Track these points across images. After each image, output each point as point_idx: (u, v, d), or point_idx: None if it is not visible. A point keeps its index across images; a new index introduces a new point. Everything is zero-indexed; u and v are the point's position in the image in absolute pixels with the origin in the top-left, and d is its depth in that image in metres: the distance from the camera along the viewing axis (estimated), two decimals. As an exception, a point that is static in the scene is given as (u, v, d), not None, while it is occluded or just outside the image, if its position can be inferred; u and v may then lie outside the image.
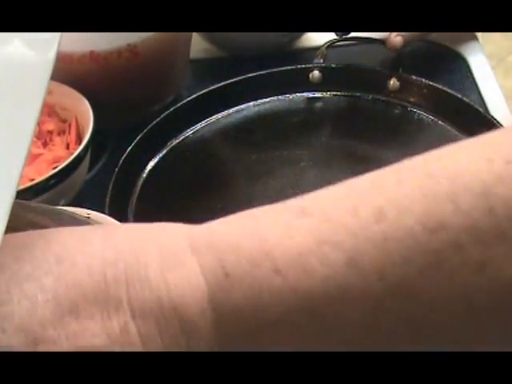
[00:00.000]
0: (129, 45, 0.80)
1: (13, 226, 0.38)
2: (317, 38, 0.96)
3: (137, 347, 0.30)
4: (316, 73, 0.88)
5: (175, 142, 0.82)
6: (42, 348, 0.29)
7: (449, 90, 0.81)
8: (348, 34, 0.89)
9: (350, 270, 0.29)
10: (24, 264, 0.31)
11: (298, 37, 0.99)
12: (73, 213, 0.50)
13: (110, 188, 0.72)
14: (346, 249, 0.29)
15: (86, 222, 0.49)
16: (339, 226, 0.29)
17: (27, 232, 0.34)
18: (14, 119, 0.30)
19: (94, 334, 0.30)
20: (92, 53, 0.80)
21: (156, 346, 0.30)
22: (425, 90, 0.83)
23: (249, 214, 0.32)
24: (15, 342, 0.29)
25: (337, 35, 0.89)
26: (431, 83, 0.83)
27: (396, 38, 0.85)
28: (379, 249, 0.29)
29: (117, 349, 0.30)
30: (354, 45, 0.93)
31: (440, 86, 0.82)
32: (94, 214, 0.60)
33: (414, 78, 0.84)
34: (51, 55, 0.31)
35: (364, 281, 0.29)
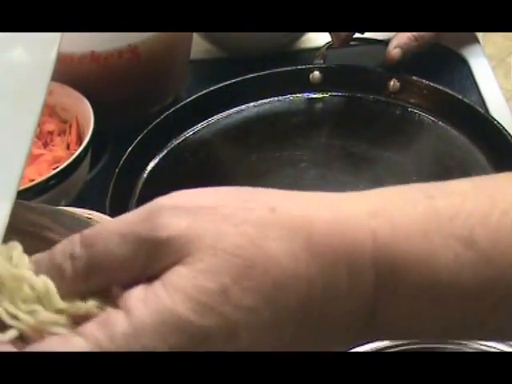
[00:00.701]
0: (129, 45, 0.80)
1: (14, 226, 0.38)
2: (317, 39, 0.96)
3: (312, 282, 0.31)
4: (316, 73, 0.88)
5: (175, 142, 0.82)
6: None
7: (449, 91, 0.82)
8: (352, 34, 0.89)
9: None
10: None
11: (299, 37, 0.99)
12: (74, 213, 0.50)
13: (111, 188, 0.72)
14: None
15: (87, 222, 0.49)
16: None
17: None
18: (15, 120, 0.30)
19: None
20: (92, 53, 0.80)
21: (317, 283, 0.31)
22: (425, 91, 0.83)
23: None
24: None
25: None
26: (431, 84, 0.83)
27: (394, 50, 0.85)
28: None
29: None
30: (354, 46, 0.93)
31: (440, 87, 0.82)
32: (96, 215, 0.60)
33: (414, 78, 0.84)
34: (52, 56, 0.31)
35: None
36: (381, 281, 0.32)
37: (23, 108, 0.30)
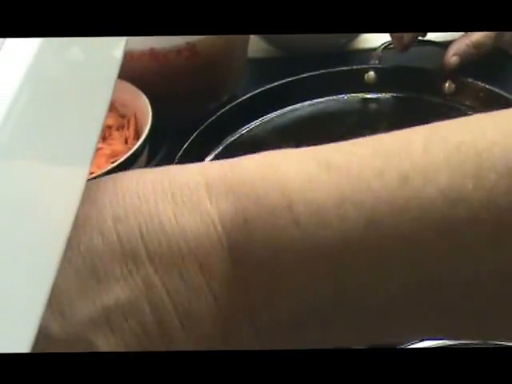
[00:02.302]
0: (188, 43, 0.81)
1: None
2: (373, 40, 0.97)
3: (163, 300, 0.30)
4: (371, 74, 0.88)
5: (230, 139, 0.83)
6: (68, 318, 0.30)
7: (504, 94, 0.81)
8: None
9: (368, 228, 0.29)
10: None
11: (355, 38, 1.00)
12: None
13: (167, 183, 0.73)
14: (366, 209, 0.29)
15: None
16: (363, 186, 0.30)
17: None
18: (84, 115, 0.31)
19: (117, 291, 0.30)
20: (152, 50, 0.82)
21: (179, 292, 0.30)
22: (481, 93, 0.83)
23: (268, 158, 0.32)
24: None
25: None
26: (487, 86, 0.83)
27: (452, 58, 0.85)
28: (400, 213, 0.29)
29: (142, 300, 0.30)
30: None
31: (496, 90, 0.82)
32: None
33: (469, 80, 0.84)
34: (118, 54, 0.32)
35: (381, 239, 0.29)
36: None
37: (91, 104, 0.32)
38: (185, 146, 0.78)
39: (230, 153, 0.82)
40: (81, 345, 0.30)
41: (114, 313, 0.30)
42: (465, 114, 0.83)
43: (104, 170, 0.71)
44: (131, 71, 0.81)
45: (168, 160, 0.78)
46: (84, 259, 0.30)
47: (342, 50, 0.99)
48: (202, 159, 0.80)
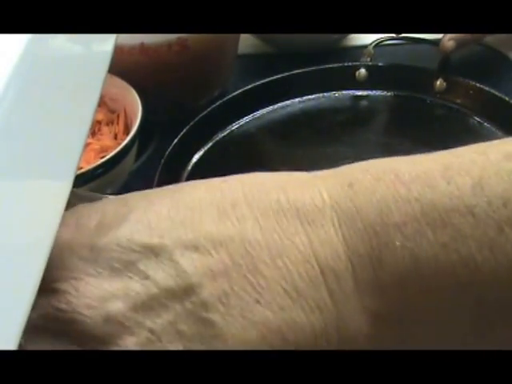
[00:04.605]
0: (179, 38, 0.81)
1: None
2: (364, 37, 0.96)
3: (253, 231, 0.31)
4: (362, 71, 0.88)
5: (220, 135, 0.83)
6: (155, 231, 0.31)
7: (496, 93, 0.81)
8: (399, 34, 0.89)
9: (475, 191, 0.30)
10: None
11: (346, 35, 0.99)
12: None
13: (156, 179, 0.73)
14: (473, 175, 0.30)
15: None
16: (468, 160, 0.31)
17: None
18: (73, 110, 0.30)
19: (209, 222, 0.31)
20: (142, 45, 0.81)
21: (272, 232, 0.31)
22: (471, 92, 0.83)
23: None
24: (133, 228, 0.31)
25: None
26: (478, 85, 0.82)
27: (449, 41, 0.85)
28: (506, 181, 0.30)
29: (233, 232, 0.31)
30: (402, 44, 0.93)
31: (487, 88, 0.82)
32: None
33: (461, 79, 0.84)
34: (108, 48, 0.32)
35: (488, 204, 0.30)
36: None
37: (81, 99, 0.31)
38: (175, 142, 0.77)
39: (220, 149, 0.81)
40: (162, 255, 0.31)
41: (202, 236, 0.31)
42: (456, 112, 0.83)
43: (93, 166, 0.70)
44: (121, 66, 0.80)
45: (158, 155, 0.77)
46: (184, 197, 0.32)
47: (333, 47, 0.99)
48: (192, 155, 0.80)
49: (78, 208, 0.34)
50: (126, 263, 0.31)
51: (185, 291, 0.30)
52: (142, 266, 0.30)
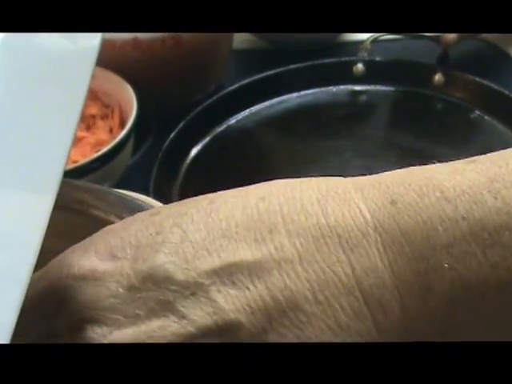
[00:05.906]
0: (172, 33, 0.80)
1: (59, 203, 0.38)
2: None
3: (292, 262, 0.30)
4: (360, 66, 0.87)
5: (218, 130, 0.82)
6: (192, 266, 0.30)
7: (495, 86, 0.80)
8: None
9: None
10: (179, 206, 0.32)
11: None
12: (119, 192, 0.50)
13: (154, 173, 0.72)
14: None
15: (131, 200, 0.49)
16: (510, 170, 0.30)
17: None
18: (61, 103, 0.30)
19: (246, 252, 0.30)
20: (135, 40, 0.80)
21: (312, 262, 0.30)
22: (470, 86, 0.83)
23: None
24: (169, 265, 0.30)
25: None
26: (476, 79, 0.82)
27: (450, 35, 0.85)
28: None
29: (272, 264, 0.30)
30: (399, 39, 0.93)
31: (485, 82, 0.81)
32: (140, 197, 0.60)
33: (459, 73, 0.84)
34: (95, 43, 0.31)
35: None
36: None
37: (68, 93, 0.30)
38: (172, 136, 0.76)
39: (217, 143, 0.80)
40: (199, 293, 0.30)
41: (238, 268, 0.30)
42: (456, 106, 0.82)
43: (89, 159, 0.69)
44: (114, 61, 0.79)
45: (155, 150, 0.76)
46: (220, 222, 0.31)
47: (331, 42, 0.98)
48: (189, 149, 0.79)
49: (109, 235, 0.32)
50: (163, 303, 0.30)
51: (223, 329, 0.29)
52: (179, 306, 0.30)
